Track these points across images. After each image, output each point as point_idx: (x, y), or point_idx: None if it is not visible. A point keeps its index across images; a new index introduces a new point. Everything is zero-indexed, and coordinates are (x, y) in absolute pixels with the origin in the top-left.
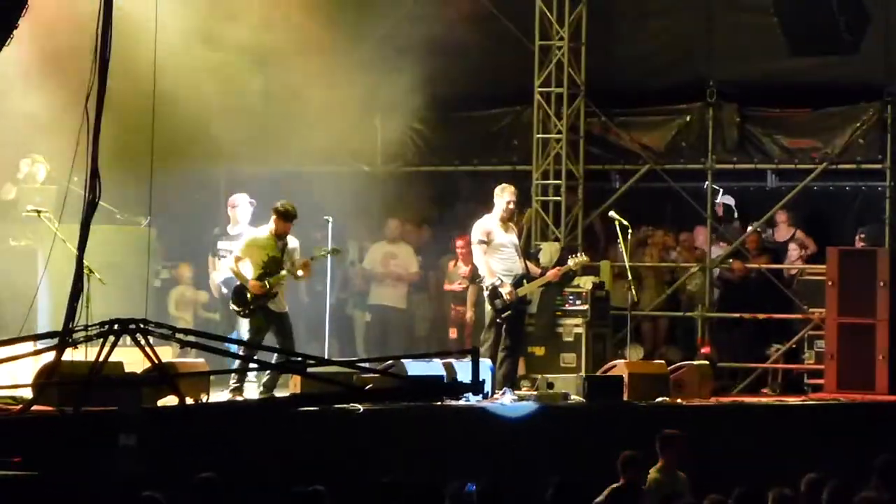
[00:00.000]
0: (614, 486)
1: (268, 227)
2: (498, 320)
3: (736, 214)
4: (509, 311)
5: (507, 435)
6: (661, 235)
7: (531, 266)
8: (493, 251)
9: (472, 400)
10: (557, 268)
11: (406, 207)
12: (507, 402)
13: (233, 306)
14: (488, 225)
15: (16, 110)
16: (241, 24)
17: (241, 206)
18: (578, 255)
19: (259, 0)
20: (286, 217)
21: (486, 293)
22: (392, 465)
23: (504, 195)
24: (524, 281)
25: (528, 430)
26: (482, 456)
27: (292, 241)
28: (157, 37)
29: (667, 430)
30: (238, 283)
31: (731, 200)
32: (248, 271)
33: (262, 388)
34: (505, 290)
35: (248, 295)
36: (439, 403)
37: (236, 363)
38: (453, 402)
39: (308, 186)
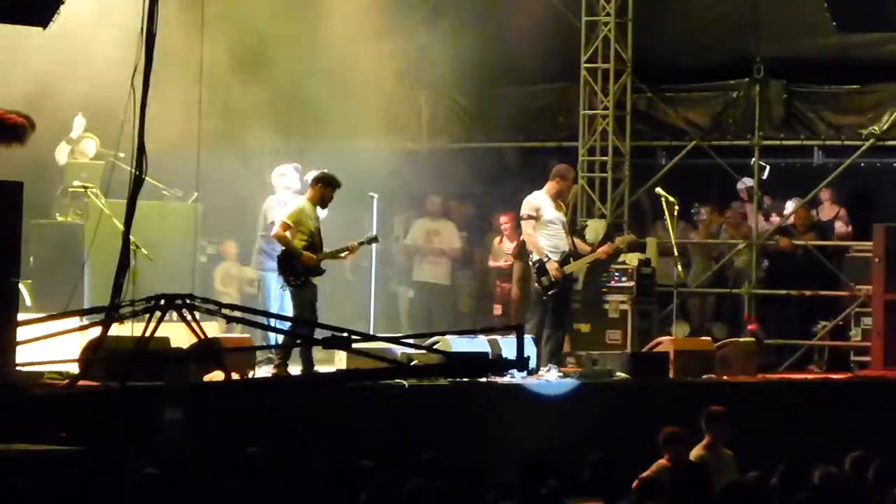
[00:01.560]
0: (665, 463)
1: (306, 197)
2: (544, 297)
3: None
4: (555, 289)
5: (552, 412)
6: (708, 212)
7: (580, 243)
8: (541, 227)
9: (517, 376)
10: (608, 244)
11: (451, 184)
12: (552, 379)
13: (281, 275)
14: (538, 200)
15: (70, 72)
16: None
17: (286, 174)
18: (625, 232)
19: None
20: (332, 184)
21: (533, 269)
22: (436, 441)
23: (566, 178)
24: (571, 259)
25: (572, 406)
26: (527, 432)
27: (321, 213)
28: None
29: (712, 406)
30: (282, 251)
31: (749, 182)
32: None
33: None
34: (552, 268)
35: (299, 266)
36: (484, 380)
37: (278, 338)
38: (498, 379)
39: (353, 163)
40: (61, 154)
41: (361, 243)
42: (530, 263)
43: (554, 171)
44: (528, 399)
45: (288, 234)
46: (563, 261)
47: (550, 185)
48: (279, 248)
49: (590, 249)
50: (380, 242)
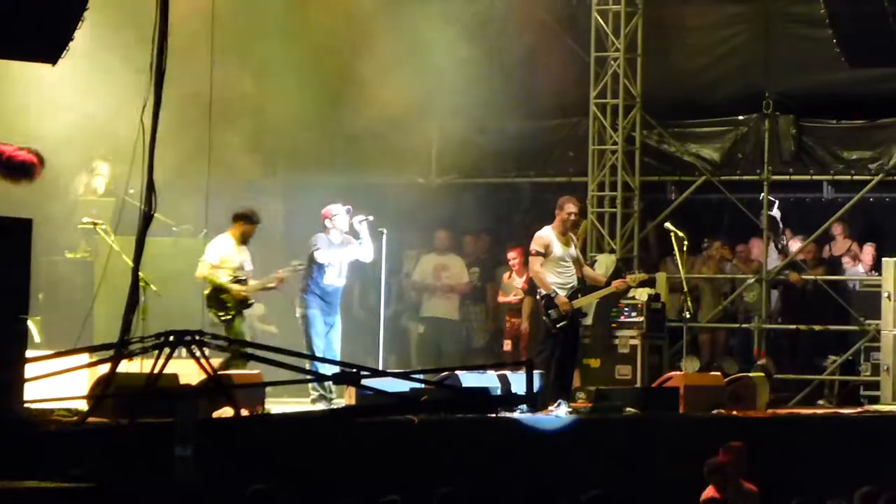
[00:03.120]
0: (714, 495)
1: (228, 233)
2: (553, 331)
3: (781, 226)
4: (563, 323)
5: (562, 447)
6: (718, 247)
7: (593, 274)
8: (551, 264)
9: (527, 412)
10: (620, 280)
11: (461, 219)
12: (561, 414)
13: (213, 313)
14: (547, 237)
15: (83, 105)
16: (298, 33)
17: (339, 214)
18: (635, 268)
19: (321, 8)
20: (251, 220)
21: (540, 304)
22: (445, 476)
23: (565, 207)
24: (579, 294)
25: (582, 442)
26: (536, 467)
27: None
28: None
29: (730, 442)
30: (213, 290)
31: (777, 213)
32: (222, 278)
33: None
34: (560, 301)
35: (228, 301)
36: (494, 415)
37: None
38: (508, 414)
39: (362, 198)
40: (80, 185)
41: (289, 271)
42: (537, 298)
43: (558, 204)
44: (537, 434)
45: (213, 273)
46: (571, 296)
47: (557, 219)
48: (323, 285)
49: (603, 281)
50: (299, 271)
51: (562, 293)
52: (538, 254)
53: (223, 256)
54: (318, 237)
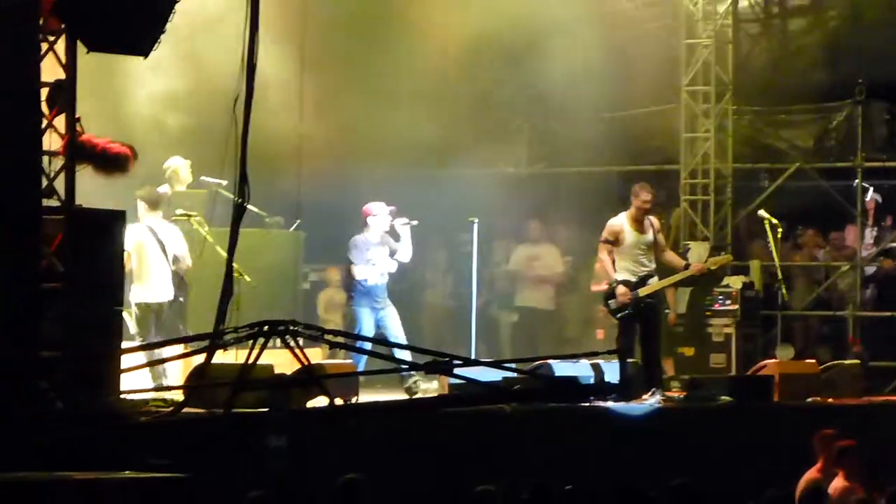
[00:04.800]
0: (845, 483)
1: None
2: (616, 320)
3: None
4: (625, 312)
5: (655, 436)
6: (811, 235)
7: (675, 259)
8: (625, 252)
9: (620, 401)
10: (697, 264)
11: (552, 208)
12: (655, 403)
13: None
14: (619, 225)
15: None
16: (390, 24)
17: (380, 214)
18: (720, 253)
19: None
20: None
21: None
22: (539, 465)
23: (640, 195)
24: (649, 280)
25: (676, 431)
26: (629, 457)
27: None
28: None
29: (824, 430)
30: None
31: (878, 197)
32: None
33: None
34: (619, 292)
35: None
36: (587, 404)
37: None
38: (601, 403)
39: (453, 188)
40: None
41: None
42: (604, 286)
43: (632, 191)
44: (630, 423)
45: None
46: (640, 283)
47: (632, 207)
48: (368, 283)
49: (682, 265)
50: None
51: (632, 280)
52: (606, 241)
53: None
54: (356, 240)
